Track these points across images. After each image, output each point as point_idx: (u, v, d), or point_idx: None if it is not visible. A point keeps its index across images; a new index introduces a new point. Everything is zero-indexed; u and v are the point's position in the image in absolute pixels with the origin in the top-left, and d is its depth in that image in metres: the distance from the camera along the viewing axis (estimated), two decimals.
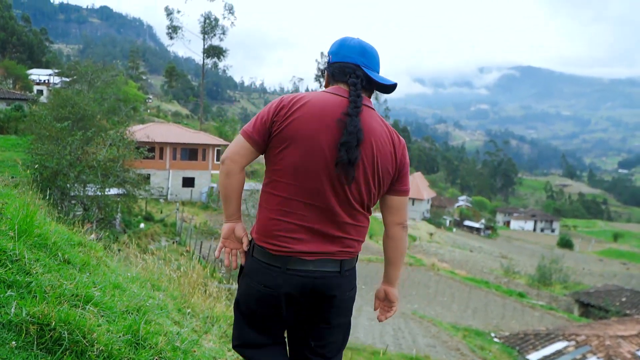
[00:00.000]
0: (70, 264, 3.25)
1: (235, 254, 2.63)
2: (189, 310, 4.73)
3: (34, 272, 2.73)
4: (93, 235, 5.16)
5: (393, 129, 2.55)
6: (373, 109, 2.53)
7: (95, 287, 3.00)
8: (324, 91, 2.52)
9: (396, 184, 2.56)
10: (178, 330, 3.32)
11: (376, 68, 2.58)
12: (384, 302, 2.78)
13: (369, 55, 2.56)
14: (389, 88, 2.59)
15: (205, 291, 6.62)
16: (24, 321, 2.31)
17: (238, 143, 2.48)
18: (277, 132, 2.40)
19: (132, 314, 3.03)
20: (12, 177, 12.30)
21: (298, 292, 2.44)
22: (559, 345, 20.32)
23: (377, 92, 2.76)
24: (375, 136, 2.43)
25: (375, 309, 2.81)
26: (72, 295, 2.71)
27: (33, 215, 3.40)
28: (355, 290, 2.63)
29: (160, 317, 3.38)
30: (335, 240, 2.45)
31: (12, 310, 2.31)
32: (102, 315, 2.77)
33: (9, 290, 2.48)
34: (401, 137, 2.57)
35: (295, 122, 2.38)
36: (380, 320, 2.78)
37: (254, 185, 34.18)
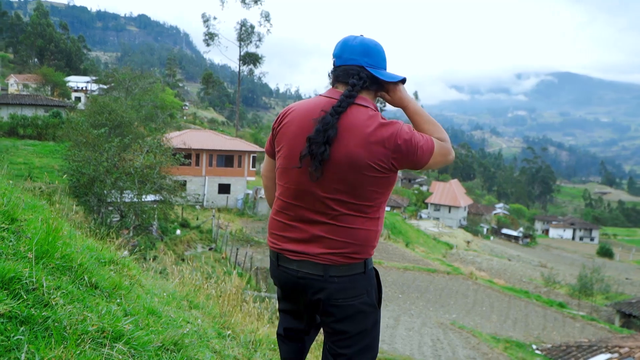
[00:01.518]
0: (97, 289, 2.82)
1: None
2: (229, 332, 4.36)
3: (53, 303, 2.30)
4: (126, 252, 4.82)
5: (394, 130, 2.34)
6: (369, 107, 2.41)
7: (126, 318, 2.61)
8: (318, 95, 2.55)
9: (406, 164, 2.39)
10: None
11: (382, 65, 2.53)
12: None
13: (373, 53, 2.49)
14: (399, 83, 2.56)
15: (246, 308, 6.27)
16: None
17: (264, 161, 2.80)
18: (275, 139, 2.56)
19: (168, 350, 2.63)
20: (49, 184, 12.21)
21: (287, 288, 2.56)
22: (602, 358, 19.83)
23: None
24: (357, 134, 2.32)
25: None
26: (98, 330, 2.29)
27: (57, 232, 3.01)
28: (364, 299, 2.47)
29: (199, 351, 2.99)
30: (318, 241, 2.41)
31: (23, 356, 1.89)
32: (133, 355, 2.36)
33: (22, 328, 2.06)
34: (399, 135, 2.34)
35: (284, 126, 2.49)
36: None
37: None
